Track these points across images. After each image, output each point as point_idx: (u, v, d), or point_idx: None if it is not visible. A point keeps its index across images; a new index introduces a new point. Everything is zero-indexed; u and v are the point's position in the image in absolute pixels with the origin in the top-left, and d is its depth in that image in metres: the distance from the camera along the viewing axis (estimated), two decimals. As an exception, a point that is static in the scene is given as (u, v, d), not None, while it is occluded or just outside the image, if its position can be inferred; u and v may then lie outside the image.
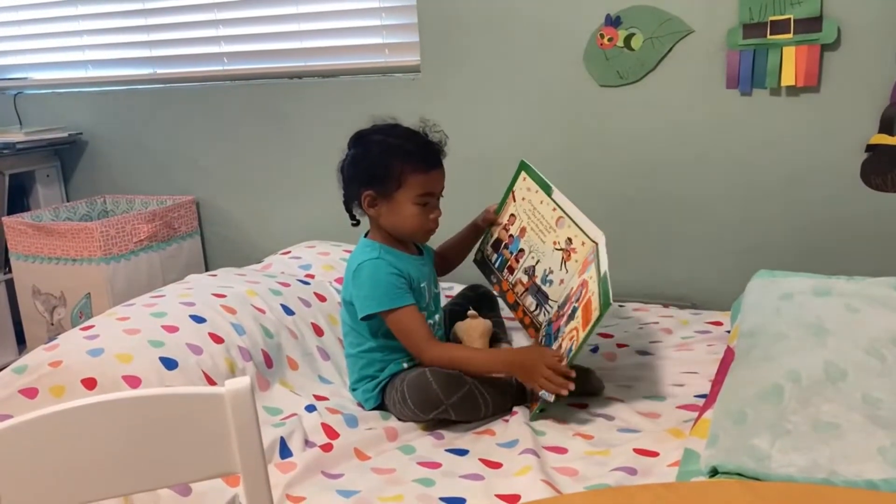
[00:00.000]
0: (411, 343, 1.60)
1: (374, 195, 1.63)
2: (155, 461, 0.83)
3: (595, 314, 1.42)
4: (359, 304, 1.62)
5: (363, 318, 1.62)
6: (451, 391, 1.51)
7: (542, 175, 1.78)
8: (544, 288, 1.70)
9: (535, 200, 1.77)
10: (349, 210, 1.71)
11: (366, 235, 1.72)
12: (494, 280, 1.85)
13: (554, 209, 1.72)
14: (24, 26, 3.00)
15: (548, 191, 1.75)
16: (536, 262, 1.74)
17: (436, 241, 1.80)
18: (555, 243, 1.69)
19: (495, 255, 1.85)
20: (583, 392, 1.62)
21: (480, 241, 1.92)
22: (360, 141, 1.66)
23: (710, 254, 2.16)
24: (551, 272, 1.70)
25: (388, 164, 1.60)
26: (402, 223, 1.65)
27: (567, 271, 1.65)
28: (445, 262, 1.87)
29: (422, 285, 1.68)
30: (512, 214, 1.83)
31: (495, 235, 1.87)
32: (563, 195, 1.72)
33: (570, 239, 1.67)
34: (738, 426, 1.20)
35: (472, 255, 1.94)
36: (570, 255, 1.66)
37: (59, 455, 0.81)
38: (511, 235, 1.82)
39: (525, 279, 1.76)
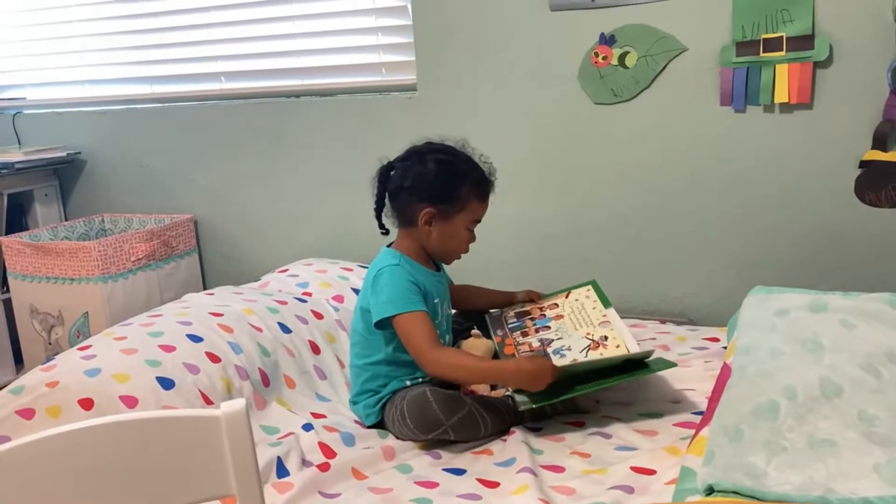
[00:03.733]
0: (415, 346, 1.57)
1: (434, 213, 1.64)
2: (150, 484, 0.84)
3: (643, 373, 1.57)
4: (375, 310, 1.61)
5: (376, 325, 1.61)
6: (451, 412, 1.50)
7: (606, 295, 1.81)
8: (553, 358, 1.66)
9: (588, 305, 1.79)
10: (379, 218, 1.72)
11: (388, 245, 1.73)
12: (500, 334, 1.82)
13: (604, 315, 1.73)
14: (22, 45, 3.02)
15: (606, 304, 1.77)
16: (557, 339, 1.72)
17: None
18: (588, 334, 1.69)
19: (514, 320, 1.85)
20: (575, 410, 1.63)
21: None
22: (424, 157, 1.66)
23: (706, 270, 2.16)
24: (568, 349, 1.67)
25: (457, 187, 1.64)
26: (451, 244, 1.69)
27: (586, 357, 1.63)
28: (458, 300, 1.87)
29: (435, 301, 1.68)
30: (555, 304, 1.85)
31: (525, 308, 1.88)
32: (617, 315, 1.73)
33: (605, 336, 1.67)
34: (735, 443, 1.20)
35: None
36: (597, 347, 1.65)
37: (54, 478, 0.81)
38: (543, 314, 1.83)
39: (536, 344, 1.73)
